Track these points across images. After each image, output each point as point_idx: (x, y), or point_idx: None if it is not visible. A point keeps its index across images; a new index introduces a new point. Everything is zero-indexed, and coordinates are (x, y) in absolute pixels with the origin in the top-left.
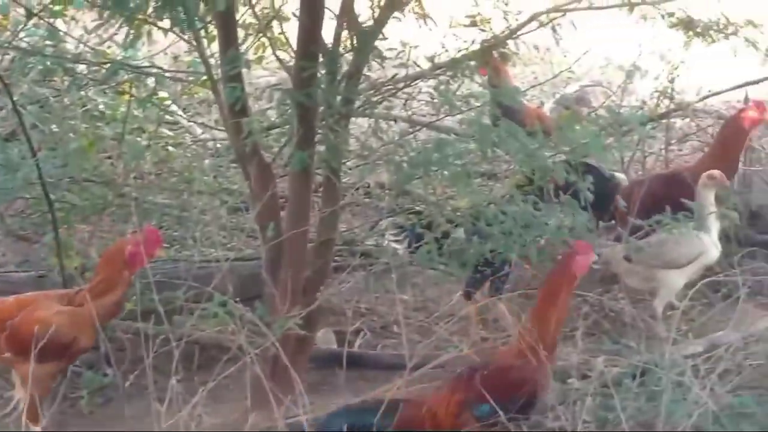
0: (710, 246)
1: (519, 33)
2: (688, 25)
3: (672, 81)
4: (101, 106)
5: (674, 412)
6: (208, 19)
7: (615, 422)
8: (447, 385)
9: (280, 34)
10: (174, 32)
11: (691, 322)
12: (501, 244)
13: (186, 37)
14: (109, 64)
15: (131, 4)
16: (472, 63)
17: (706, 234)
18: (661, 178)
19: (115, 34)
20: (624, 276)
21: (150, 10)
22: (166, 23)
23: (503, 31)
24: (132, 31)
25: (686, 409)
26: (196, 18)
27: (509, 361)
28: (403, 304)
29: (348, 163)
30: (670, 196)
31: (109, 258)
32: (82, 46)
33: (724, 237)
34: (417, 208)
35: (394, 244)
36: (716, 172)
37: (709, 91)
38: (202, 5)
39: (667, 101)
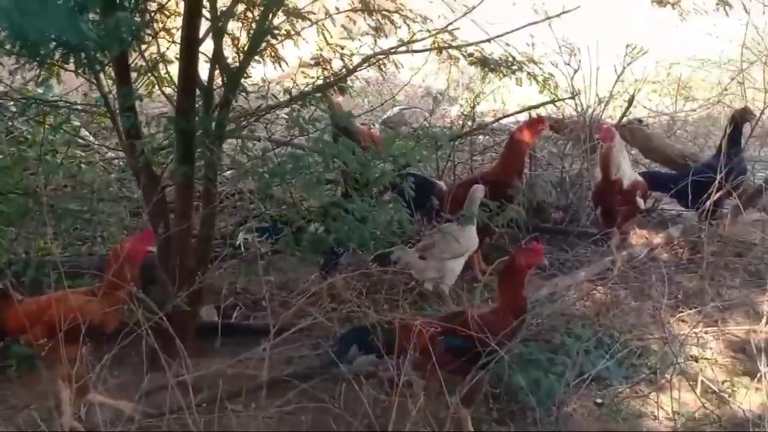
0: (475, 238)
1: (354, 70)
2: (483, 62)
3: (473, 106)
4: (25, 133)
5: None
6: (106, 62)
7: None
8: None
9: (165, 74)
10: (78, 73)
11: (491, 292)
12: (344, 235)
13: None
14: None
15: (42, 52)
16: (317, 95)
17: (472, 227)
18: (465, 184)
19: (35, 75)
20: (417, 273)
21: (57, 56)
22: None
23: (341, 70)
24: (44, 73)
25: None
26: (96, 62)
27: (484, 315)
28: (269, 284)
29: (225, 174)
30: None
31: (114, 257)
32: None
33: (515, 226)
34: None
35: (248, 237)
36: (481, 187)
37: (503, 113)
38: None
39: (470, 122)
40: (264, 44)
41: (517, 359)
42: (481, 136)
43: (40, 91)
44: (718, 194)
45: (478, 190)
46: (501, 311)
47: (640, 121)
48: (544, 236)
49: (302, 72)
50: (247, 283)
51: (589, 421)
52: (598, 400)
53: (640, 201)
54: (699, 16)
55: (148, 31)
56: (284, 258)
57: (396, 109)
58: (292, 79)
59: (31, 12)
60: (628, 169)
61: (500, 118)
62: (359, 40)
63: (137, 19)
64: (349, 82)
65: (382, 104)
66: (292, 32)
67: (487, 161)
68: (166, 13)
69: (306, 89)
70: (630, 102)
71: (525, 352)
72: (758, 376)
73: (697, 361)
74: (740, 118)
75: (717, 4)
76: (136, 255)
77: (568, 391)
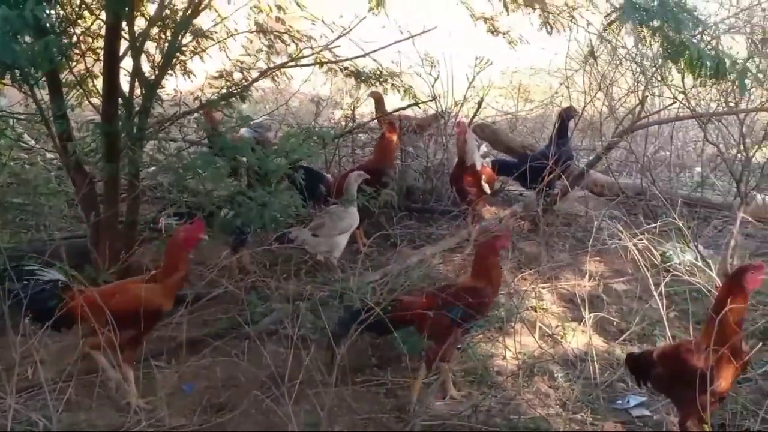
0: (357, 216)
1: (253, 83)
2: (357, 75)
3: (353, 109)
4: None
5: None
6: (40, 77)
7: (320, 326)
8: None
9: (92, 86)
10: (15, 86)
11: (372, 261)
12: (248, 218)
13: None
14: None
15: None
16: (222, 102)
17: (353, 209)
18: (347, 174)
19: None
20: (311, 248)
21: None
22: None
23: (241, 81)
24: None
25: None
26: (30, 77)
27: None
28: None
29: (147, 170)
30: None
31: (171, 245)
32: None
33: (390, 207)
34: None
35: (171, 221)
36: (356, 174)
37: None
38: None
39: (351, 122)
40: (175, 60)
41: None
42: (361, 134)
43: None
44: (550, 177)
45: (353, 178)
46: (482, 284)
47: (438, 116)
48: (414, 215)
49: (209, 83)
50: None
51: (452, 362)
52: (459, 345)
53: (485, 185)
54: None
55: (77, 51)
56: None
57: (262, 118)
58: (200, 89)
59: None
60: (477, 157)
61: (375, 119)
62: (255, 56)
63: (65, 41)
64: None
65: (277, 108)
66: (199, 50)
67: (367, 155)
68: (91, 35)
69: (212, 98)
70: (479, 104)
71: None
72: (582, 321)
73: (536, 311)
74: (566, 114)
75: (540, 25)
76: (191, 242)
77: None
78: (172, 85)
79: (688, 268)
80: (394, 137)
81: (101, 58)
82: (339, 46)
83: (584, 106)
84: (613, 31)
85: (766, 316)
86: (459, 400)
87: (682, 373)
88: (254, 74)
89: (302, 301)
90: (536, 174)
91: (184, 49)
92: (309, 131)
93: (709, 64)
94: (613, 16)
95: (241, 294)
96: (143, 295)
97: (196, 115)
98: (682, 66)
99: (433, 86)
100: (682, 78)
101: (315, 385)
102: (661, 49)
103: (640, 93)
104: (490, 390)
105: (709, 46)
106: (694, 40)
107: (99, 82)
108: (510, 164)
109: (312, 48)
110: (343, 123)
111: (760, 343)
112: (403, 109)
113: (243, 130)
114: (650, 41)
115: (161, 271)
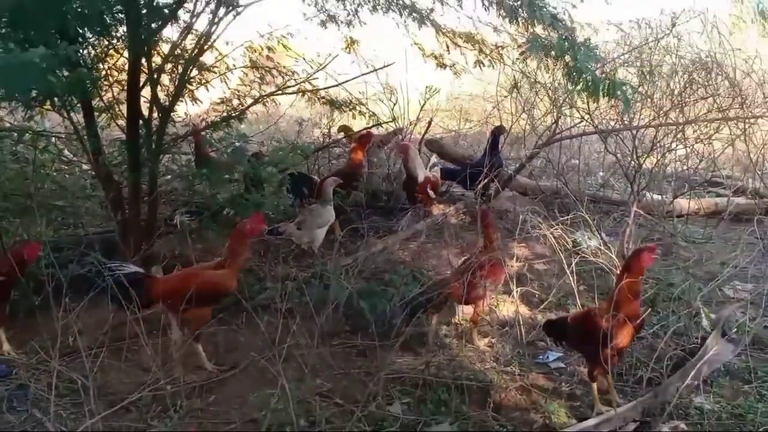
0: (332, 213)
1: (248, 108)
2: (331, 102)
3: (329, 128)
4: (24, 154)
5: (338, 293)
6: (75, 103)
7: (305, 301)
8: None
9: (118, 111)
10: (54, 111)
11: (345, 249)
12: (246, 215)
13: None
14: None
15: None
16: (224, 124)
17: (329, 207)
18: (326, 179)
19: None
20: (296, 239)
21: (39, 100)
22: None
23: (238, 106)
24: (29, 112)
25: (341, 290)
26: (67, 103)
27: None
28: (198, 251)
29: (165, 178)
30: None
31: (237, 234)
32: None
33: (359, 205)
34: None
35: (183, 218)
36: (332, 180)
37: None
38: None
39: (328, 138)
40: (185, 89)
41: (362, 291)
42: (336, 148)
43: (33, 124)
44: (485, 181)
45: (329, 182)
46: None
47: (396, 133)
48: (378, 212)
49: (212, 108)
50: (181, 249)
51: (410, 328)
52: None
53: (430, 192)
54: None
55: (105, 82)
56: (207, 233)
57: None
58: (205, 113)
59: (14, 71)
60: (421, 170)
61: (346, 136)
62: (249, 86)
63: (95, 74)
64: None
65: (268, 128)
66: (204, 81)
67: (341, 164)
68: (117, 69)
69: (215, 120)
70: (429, 123)
71: (366, 286)
72: (512, 294)
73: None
74: (497, 132)
75: (474, 63)
76: (254, 231)
77: (395, 309)
78: (183, 109)
79: (593, 251)
80: (362, 151)
81: (125, 88)
82: (317, 78)
83: (511, 125)
84: (525, 61)
85: (653, 287)
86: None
87: (590, 333)
88: (249, 101)
89: (290, 281)
90: (474, 178)
91: (191, 80)
92: (293, 146)
93: (601, 86)
94: (525, 48)
95: (241, 276)
96: (218, 279)
97: (202, 134)
98: (580, 88)
99: (392, 109)
100: (588, 102)
101: (300, 347)
102: (562, 75)
103: (555, 114)
104: (440, 349)
105: (602, 74)
106: (590, 67)
107: (123, 108)
108: (454, 171)
109: (295, 80)
110: (321, 139)
111: (649, 309)
112: (368, 128)
113: None
114: (553, 69)
115: (228, 257)
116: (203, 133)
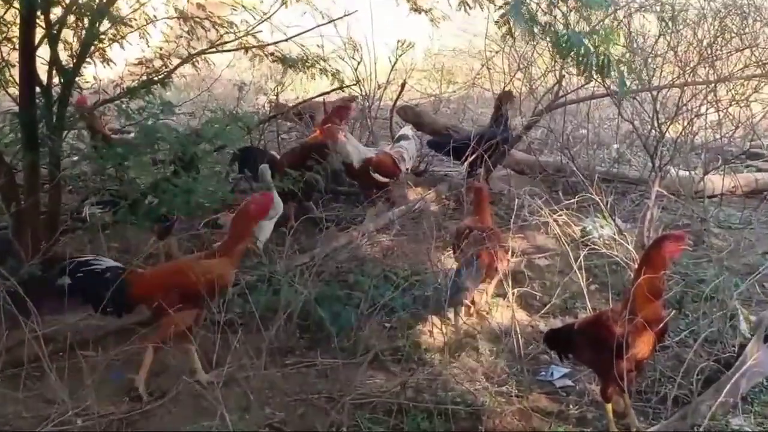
0: (279, 203)
1: (174, 70)
2: (282, 60)
3: (277, 95)
4: None
5: (291, 299)
6: None
7: (249, 310)
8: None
9: (9, 76)
10: None
11: (300, 244)
12: (173, 206)
13: None
14: None
15: None
16: (143, 90)
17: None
18: (289, 153)
19: None
20: None
21: None
22: None
23: (161, 68)
24: None
25: (295, 295)
26: None
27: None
28: (113, 249)
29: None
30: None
31: (241, 216)
32: None
33: (319, 190)
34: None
35: (94, 209)
36: (266, 166)
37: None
38: None
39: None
40: (93, 48)
41: (320, 297)
42: (288, 123)
43: None
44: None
45: (265, 169)
46: None
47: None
48: (340, 197)
49: (129, 71)
50: (93, 249)
51: (381, 340)
52: (387, 324)
53: (375, 175)
54: (455, 14)
55: None
56: (124, 227)
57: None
58: (120, 77)
59: None
60: (356, 154)
61: (299, 104)
62: (176, 42)
63: None
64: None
65: (199, 94)
66: (118, 37)
67: (294, 140)
68: (5, 23)
69: (132, 85)
70: (402, 87)
71: (326, 290)
72: (507, 296)
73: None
74: (503, 98)
75: (459, 5)
76: (261, 213)
77: (362, 318)
78: (92, 72)
79: (606, 242)
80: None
81: (17, 47)
82: (261, 31)
83: (504, 87)
84: (504, 26)
85: (679, 285)
86: None
87: (601, 341)
88: (175, 61)
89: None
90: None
91: (102, 36)
92: (233, 116)
93: (594, 61)
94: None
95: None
96: (216, 271)
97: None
98: (570, 62)
99: (356, 70)
100: None
101: (244, 369)
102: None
103: (557, 72)
104: (418, 366)
105: (595, 45)
106: (582, 39)
107: (16, 72)
108: (443, 142)
109: (234, 33)
110: (268, 108)
111: (672, 311)
112: (328, 93)
113: None
114: (540, 37)
115: (227, 243)
116: (119, 102)
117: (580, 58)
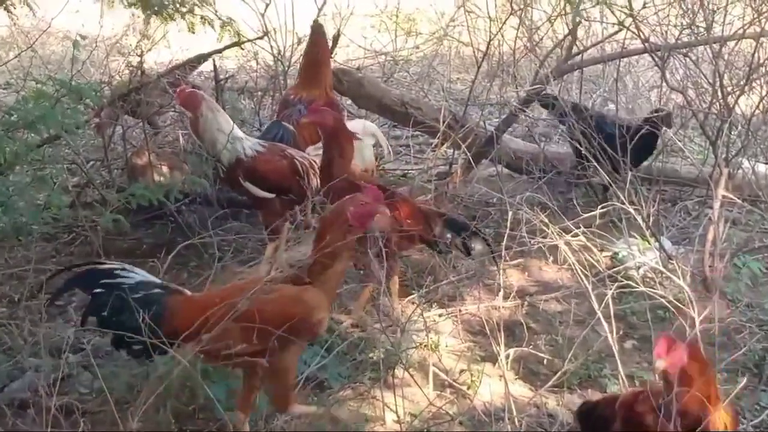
0: None
1: None
2: (145, 4)
3: (141, 55)
4: None
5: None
6: None
7: (99, 388)
8: None
9: None
10: None
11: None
12: None
13: None
14: None
15: None
16: None
17: None
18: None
19: None
20: None
21: None
22: None
23: None
24: None
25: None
26: None
27: None
28: None
29: None
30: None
31: (330, 223)
32: None
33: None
34: None
35: None
36: None
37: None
38: None
39: (140, 74)
40: None
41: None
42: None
43: None
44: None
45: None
46: None
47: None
48: (243, 212)
49: None
50: None
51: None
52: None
53: (247, 184)
54: None
55: None
56: None
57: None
58: None
59: None
60: (224, 143)
61: (174, 67)
62: None
63: None
64: None
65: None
66: None
67: (168, 121)
68: None
69: None
70: (335, 41)
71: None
72: (497, 361)
73: (430, 349)
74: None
75: None
76: (363, 220)
77: None
78: None
79: (646, 275)
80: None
81: None
82: None
83: (489, 43)
84: None
85: (756, 336)
86: None
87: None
88: None
89: (69, 353)
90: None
91: None
92: (70, 89)
93: None
94: None
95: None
96: (307, 303)
97: None
98: None
99: (263, 16)
100: None
101: None
102: None
103: (569, 19)
104: None
105: None
106: None
107: None
108: None
109: None
110: (128, 74)
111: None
112: (220, 51)
113: None
114: None
115: (313, 267)
116: None
117: None
